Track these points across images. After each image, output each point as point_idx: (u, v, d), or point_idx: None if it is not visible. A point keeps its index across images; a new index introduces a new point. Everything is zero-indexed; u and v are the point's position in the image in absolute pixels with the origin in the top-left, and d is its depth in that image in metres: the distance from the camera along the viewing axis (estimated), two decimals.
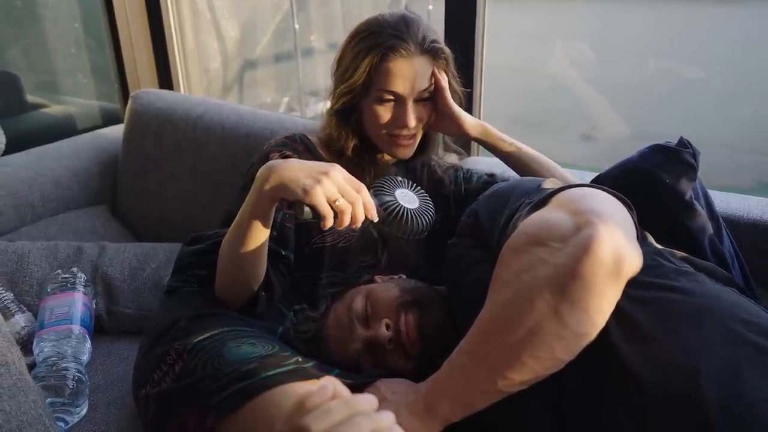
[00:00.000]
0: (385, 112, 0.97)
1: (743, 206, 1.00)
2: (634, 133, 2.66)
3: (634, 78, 2.63)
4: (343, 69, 0.99)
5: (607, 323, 0.65)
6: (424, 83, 0.96)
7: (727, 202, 1.01)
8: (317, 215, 0.72)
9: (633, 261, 0.62)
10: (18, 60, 1.76)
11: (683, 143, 0.87)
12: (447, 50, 1.00)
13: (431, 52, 0.96)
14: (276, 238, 0.91)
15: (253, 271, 0.84)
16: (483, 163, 1.26)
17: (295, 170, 0.73)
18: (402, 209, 0.82)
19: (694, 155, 0.87)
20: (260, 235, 0.79)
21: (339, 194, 0.72)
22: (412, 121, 0.96)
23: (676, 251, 0.80)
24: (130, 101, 1.55)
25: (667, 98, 2.56)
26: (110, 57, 1.87)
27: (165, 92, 1.59)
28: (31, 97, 1.78)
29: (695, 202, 0.86)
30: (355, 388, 0.75)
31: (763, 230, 0.97)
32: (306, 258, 0.96)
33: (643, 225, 0.86)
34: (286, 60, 2.78)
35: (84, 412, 0.91)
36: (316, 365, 0.76)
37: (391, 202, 0.83)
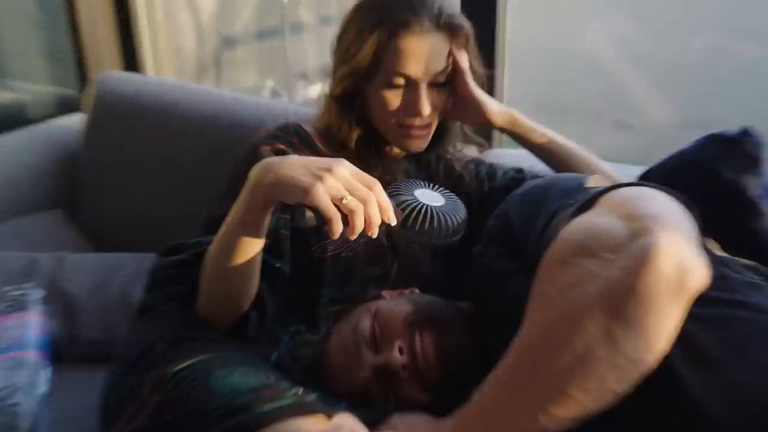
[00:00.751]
0: (394, 98, 0.97)
1: None
2: (679, 121, 2.67)
3: (681, 57, 2.64)
4: (345, 47, 1.00)
5: None
6: (440, 64, 0.97)
7: None
8: (322, 220, 0.70)
9: (699, 275, 0.62)
10: None
11: (746, 132, 0.88)
12: (467, 25, 1.00)
13: (449, 28, 0.97)
14: (269, 248, 0.91)
15: (242, 289, 0.84)
16: (509, 156, 1.26)
17: (293, 167, 0.73)
18: (425, 207, 0.82)
19: (760, 146, 0.87)
20: (252, 245, 0.79)
21: (346, 192, 0.71)
22: (426, 109, 0.97)
23: (740, 259, 0.80)
24: (93, 87, 1.56)
25: (718, 80, 2.57)
26: (66, 36, 1.87)
27: (134, 76, 1.64)
28: None
29: (760, 200, 0.86)
30: (368, 425, 0.75)
31: None
32: (303, 271, 0.96)
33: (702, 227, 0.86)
34: (270, 38, 2.80)
35: None
36: (320, 398, 0.76)
37: (411, 201, 0.82)
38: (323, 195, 0.70)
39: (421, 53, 0.95)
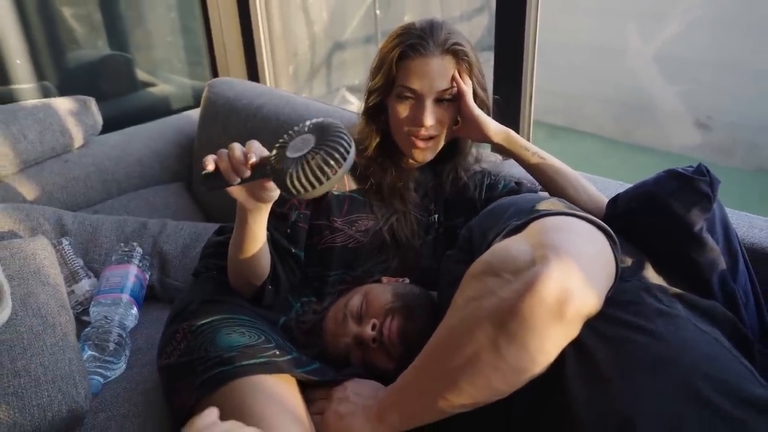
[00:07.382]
0: (404, 109, 1.00)
1: None
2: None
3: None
4: (373, 69, 1.04)
5: (566, 354, 0.66)
6: (443, 83, 0.99)
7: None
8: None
9: (582, 303, 0.61)
10: (129, 46, 1.97)
11: (701, 171, 0.83)
12: (471, 55, 1.01)
13: (453, 53, 0.99)
14: (289, 236, 1.00)
15: (252, 273, 0.93)
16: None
17: None
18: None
19: (712, 184, 0.82)
20: (253, 242, 0.88)
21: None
22: (428, 120, 0.99)
23: (670, 287, 0.77)
24: (206, 89, 1.69)
25: None
26: (203, 43, 2.04)
27: (237, 81, 1.71)
28: (141, 75, 2.00)
29: (706, 235, 0.81)
30: (328, 386, 0.83)
31: None
32: (317, 256, 1.03)
33: (650, 252, 0.83)
34: (374, 42, 2.85)
35: (122, 370, 1.06)
36: (293, 359, 0.84)
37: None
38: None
39: (425, 71, 0.97)
